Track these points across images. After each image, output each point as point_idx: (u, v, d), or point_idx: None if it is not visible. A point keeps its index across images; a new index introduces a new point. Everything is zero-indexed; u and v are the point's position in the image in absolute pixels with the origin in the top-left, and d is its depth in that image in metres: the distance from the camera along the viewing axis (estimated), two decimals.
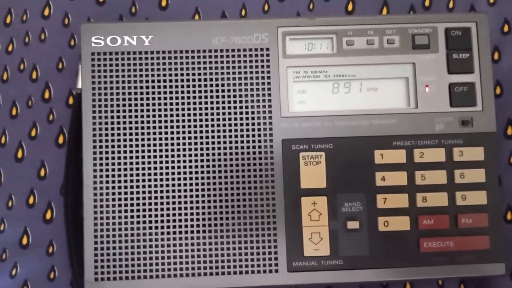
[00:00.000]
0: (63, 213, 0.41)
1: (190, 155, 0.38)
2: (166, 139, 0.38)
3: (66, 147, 0.42)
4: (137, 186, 0.38)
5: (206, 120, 0.39)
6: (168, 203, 0.38)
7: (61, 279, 0.42)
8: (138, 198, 0.38)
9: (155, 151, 0.38)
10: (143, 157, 0.38)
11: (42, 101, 0.44)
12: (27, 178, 0.43)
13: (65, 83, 0.44)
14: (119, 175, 0.38)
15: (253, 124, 0.39)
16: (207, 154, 0.38)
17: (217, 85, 0.39)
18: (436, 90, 0.40)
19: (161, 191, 0.38)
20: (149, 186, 0.38)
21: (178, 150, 0.38)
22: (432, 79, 0.40)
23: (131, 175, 0.38)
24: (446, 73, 0.40)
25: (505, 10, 0.45)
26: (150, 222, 0.38)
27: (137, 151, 0.38)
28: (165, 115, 0.39)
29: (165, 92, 0.39)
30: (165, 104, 0.39)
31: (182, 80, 0.39)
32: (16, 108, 0.44)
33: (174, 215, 0.38)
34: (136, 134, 0.38)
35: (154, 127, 0.38)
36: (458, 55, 0.40)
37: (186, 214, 0.38)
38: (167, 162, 0.38)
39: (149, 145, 0.38)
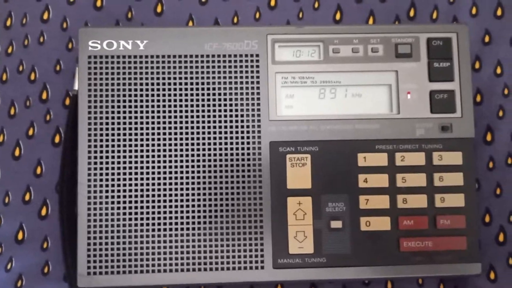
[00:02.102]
0: (58, 209, 0.42)
1: (181, 155, 0.40)
2: (159, 139, 0.40)
3: (62, 146, 0.43)
4: (130, 185, 0.39)
5: (198, 122, 0.40)
6: (159, 201, 0.39)
7: (54, 273, 0.43)
8: (130, 196, 0.39)
9: (147, 150, 0.40)
10: (135, 156, 0.39)
11: (40, 102, 0.45)
12: (23, 175, 0.44)
13: (62, 85, 0.45)
14: (113, 174, 0.39)
15: (242, 126, 0.40)
16: (198, 155, 0.40)
17: (208, 89, 0.40)
18: (418, 97, 0.41)
19: (153, 190, 0.39)
20: (141, 184, 0.39)
21: (170, 150, 0.40)
22: (413, 86, 0.41)
23: (124, 173, 0.39)
24: (427, 81, 0.41)
25: (486, 21, 0.46)
26: (142, 219, 0.39)
27: (130, 151, 0.39)
28: (158, 116, 0.40)
29: (158, 95, 0.40)
30: (158, 105, 0.40)
31: (175, 84, 0.40)
32: (15, 108, 0.45)
33: (164, 212, 0.39)
34: (130, 134, 0.40)
35: (147, 128, 0.40)
36: (439, 64, 0.41)
37: (176, 212, 0.39)
38: (159, 161, 0.39)
39: (141, 145, 0.40)
